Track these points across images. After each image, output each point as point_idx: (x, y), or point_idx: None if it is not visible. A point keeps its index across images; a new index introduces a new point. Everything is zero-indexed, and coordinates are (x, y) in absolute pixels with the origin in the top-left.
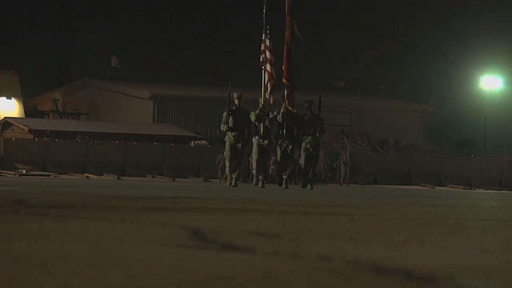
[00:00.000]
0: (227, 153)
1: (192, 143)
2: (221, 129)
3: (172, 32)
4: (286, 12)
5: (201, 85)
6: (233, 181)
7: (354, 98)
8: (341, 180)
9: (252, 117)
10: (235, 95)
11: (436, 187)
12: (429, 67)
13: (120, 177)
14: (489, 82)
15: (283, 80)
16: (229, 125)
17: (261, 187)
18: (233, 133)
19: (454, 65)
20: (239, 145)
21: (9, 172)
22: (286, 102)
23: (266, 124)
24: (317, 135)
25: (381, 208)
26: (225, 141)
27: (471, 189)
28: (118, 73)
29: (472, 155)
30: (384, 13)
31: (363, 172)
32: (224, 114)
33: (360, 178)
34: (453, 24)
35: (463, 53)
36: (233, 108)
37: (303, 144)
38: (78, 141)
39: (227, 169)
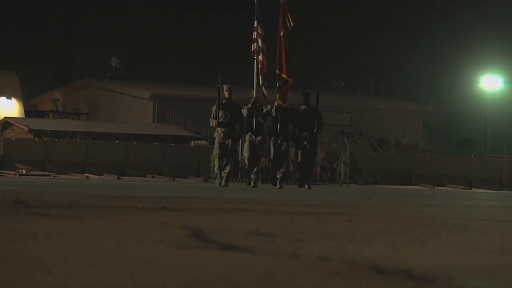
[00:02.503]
0: (216, 150)
1: (192, 143)
2: (210, 124)
3: (172, 32)
4: (281, 2)
5: (201, 85)
6: (224, 180)
7: (354, 98)
8: (341, 180)
9: (244, 112)
10: (225, 87)
11: (436, 187)
12: (429, 67)
13: (120, 177)
14: (489, 82)
15: (281, 74)
16: (219, 120)
17: (252, 186)
18: (222, 129)
19: (454, 65)
20: (229, 141)
21: (9, 172)
22: (277, 96)
23: (259, 119)
24: (314, 130)
25: (381, 208)
26: (214, 138)
27: (471, 189)
28: (118, 73)
29: (472, 155)
30: (384, 13)
31: (363, 172)
32: (213, 108)
33: (360, 178)
34: (453, 24)
35: (463, 53)
36: (223, 101)
37: (300, 141)
38: (78, 141)
39: (216, 168)
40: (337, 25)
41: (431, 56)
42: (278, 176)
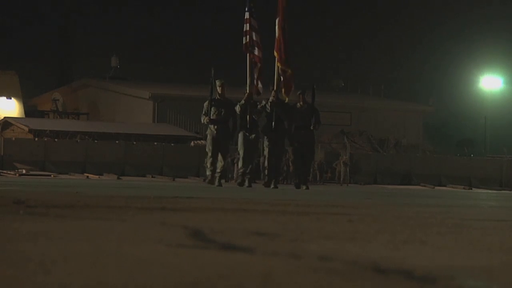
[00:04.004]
0: (208, 148)
1: (192, 143)
2: (202, 121)
3: (171, 32)
4: None
5: (201, 85)
6: (216, 180)
7: (354, 98)
8: (341, 180)
9: (237, 109)
10: (217, 82)
11: (436, 187)
12: (429, 67)
13: (120, 177)
14: (489, 82)
15: (278, 64)
16: (211, 117)
17: (247, 186)
18: (215, 126)
19: (454, 65)
20: (222, 139)
21: (9, 172)
22: (283, 89)
23: (253, 116)
24: (311, 127)
25: (381, 208)
26: (207, 135)
27: (471, 189)
28: (118, 73)
29: (472, 155)
30: (384, 12)
31: (363, 172)
32: (205, 104)
33: (360, 178)
34: (453, 24)
35: (463, 53)
36: (216, 97)
37: (296, 138)
38: (78, 141)
39: (208, 166)
40: (337, 25)
41: (431, 56)
42: (272, 175)
